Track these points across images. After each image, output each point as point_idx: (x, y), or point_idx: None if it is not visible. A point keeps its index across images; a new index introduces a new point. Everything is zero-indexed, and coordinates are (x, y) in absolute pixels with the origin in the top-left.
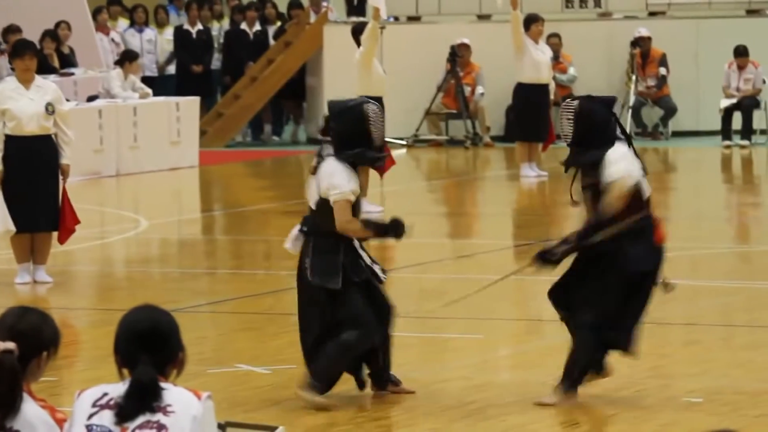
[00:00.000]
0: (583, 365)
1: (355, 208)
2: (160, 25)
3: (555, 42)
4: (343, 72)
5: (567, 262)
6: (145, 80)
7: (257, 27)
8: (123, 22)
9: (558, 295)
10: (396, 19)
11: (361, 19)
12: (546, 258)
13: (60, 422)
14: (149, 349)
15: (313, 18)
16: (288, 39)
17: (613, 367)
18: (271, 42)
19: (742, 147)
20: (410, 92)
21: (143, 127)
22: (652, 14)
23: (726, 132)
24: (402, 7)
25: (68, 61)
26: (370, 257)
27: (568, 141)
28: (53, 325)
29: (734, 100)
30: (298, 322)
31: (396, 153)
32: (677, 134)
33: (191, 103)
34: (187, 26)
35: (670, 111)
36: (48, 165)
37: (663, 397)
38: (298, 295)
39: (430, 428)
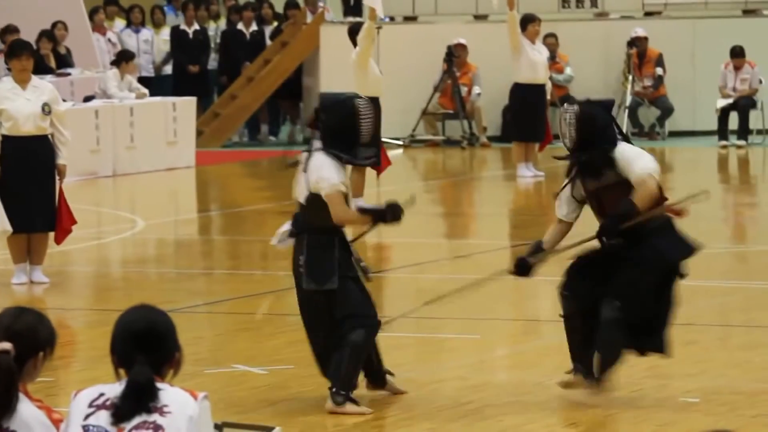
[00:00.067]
0: (612, 362)
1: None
2: (157, 25)
3: (552, 42)
4: (339, 72)
5: (585, 256)
6: (142, 80)
7: (254, 27)
8: (120, 23)
9: (576, 286)
10: (392, 19)
11: (358, 19)
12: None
13: (56, 423)
14: (146, 349)
15: (309, 18)
16: (284, 39)
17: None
18: (268, 42)
19: (739, 147)
20: (407, 92)
21: (140, 127)
22: (648, 14)
23: (722, 132)
24: (398, 7)
25: (65, 61)
26: (356, 256)
27: (570, 145)
28: (49, 325)
29: (731, 100)
30: (302, 320)
31: (393, 153)
32: (674, 134)
33: (188, 104)
34: (183, 26)
35: (666, 111)
36: (45, 165)
37: (660, 397)
38: (296, 293)
39: (426, 428)
